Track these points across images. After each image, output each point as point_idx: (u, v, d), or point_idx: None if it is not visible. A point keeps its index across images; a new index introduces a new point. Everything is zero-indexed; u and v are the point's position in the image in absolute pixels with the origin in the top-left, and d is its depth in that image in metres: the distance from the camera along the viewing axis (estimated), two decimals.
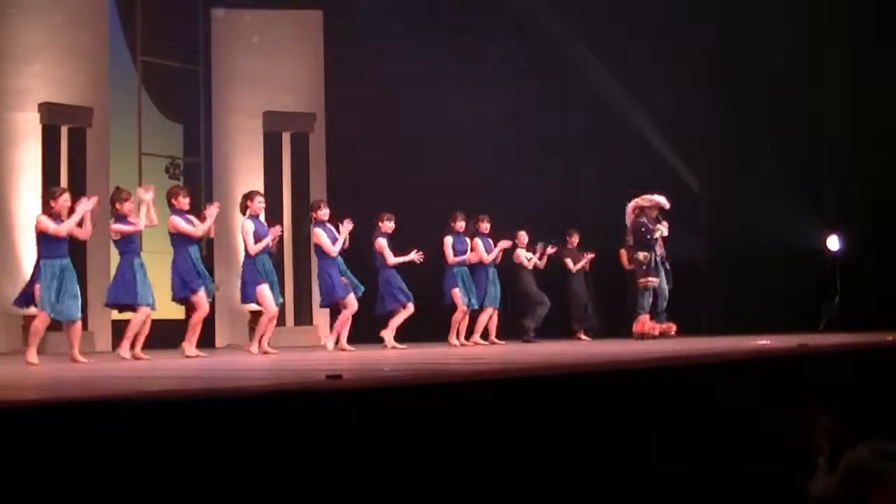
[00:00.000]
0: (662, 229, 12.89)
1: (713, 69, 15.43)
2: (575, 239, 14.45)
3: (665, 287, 13.00)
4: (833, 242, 14.77)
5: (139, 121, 15.38)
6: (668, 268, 13.11)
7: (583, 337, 14.33)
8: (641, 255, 12.93)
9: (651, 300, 12.90)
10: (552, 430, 4.41)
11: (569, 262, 14.31)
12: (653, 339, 12.48)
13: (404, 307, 11.95)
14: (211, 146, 16.02)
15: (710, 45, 15.43)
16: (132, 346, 9.72)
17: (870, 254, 14.06)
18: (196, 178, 15.75)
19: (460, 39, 15.58)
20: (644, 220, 12.96)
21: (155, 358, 9.68)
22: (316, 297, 12.94)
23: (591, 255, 14.44)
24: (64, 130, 14.01)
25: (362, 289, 11.57)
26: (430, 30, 15.61)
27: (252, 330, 11.40)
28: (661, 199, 13.03)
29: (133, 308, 9.84)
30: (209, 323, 13.72)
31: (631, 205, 13.15)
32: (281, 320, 15.00)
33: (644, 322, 12.78)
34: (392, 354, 10.21)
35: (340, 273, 11.40)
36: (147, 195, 10.03)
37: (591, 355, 8.07)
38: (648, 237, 12.86)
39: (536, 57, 15.65)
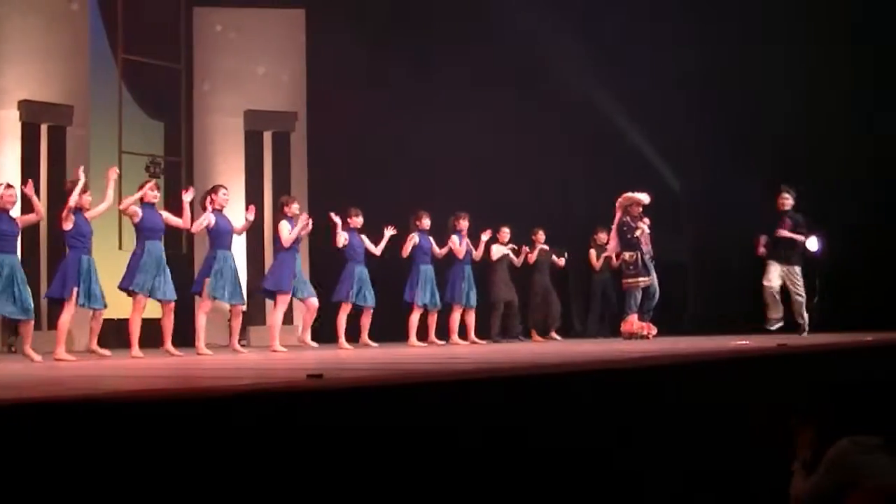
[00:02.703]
0: (643, 227, 12.86)
1: (698, 68, 15.44)
2: (540, 237, 14.47)
3: (656, 286, 12.99)
4: (812, 243, 14.79)
5: (120, 119, 15.31)
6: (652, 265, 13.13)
7: (548, 337, 14.33)
8: (627, 255, 12.91)
9: (640, 299, 12.88)
10: (530, 429, 4.41)
11: (529, 254, 14.31)
12: (641, 339, 12.47)
13: (346, 305, 12.10)
14: (192, 145, 15.98)
15: (693, 45, 15.44)
16: (89, 342, 9.77)
17: (850, 255, 14.10)
18: (177, 177, 15.69)
19: (444, 39, 15.59)
20: (627, 219, 12.94)
21: (124, 357, 9.63)
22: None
23: (544, 247, 14.42)
24: (44, 128, 13.96)
25: (313, 293, 11.62)
26: (412, 29, 15.63)
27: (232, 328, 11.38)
28: (641, 196, 12.99)
29: (60, 303, 9.82)
30: (188, 322, 13.69)
31: (617, 205, 13.13)
32: (260, 319, 15.01)
33: (632, 322, 12.77)
34: (370, 354, 10.21)
35: (294, 272, 11.41)
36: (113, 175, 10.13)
37: (569, 355, 8.08)
38: (629, 236, 12.85)
39: (522, 57, 15.65)
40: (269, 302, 15.25)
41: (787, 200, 12.18)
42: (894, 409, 4.33)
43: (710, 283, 15.26)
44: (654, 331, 12.88)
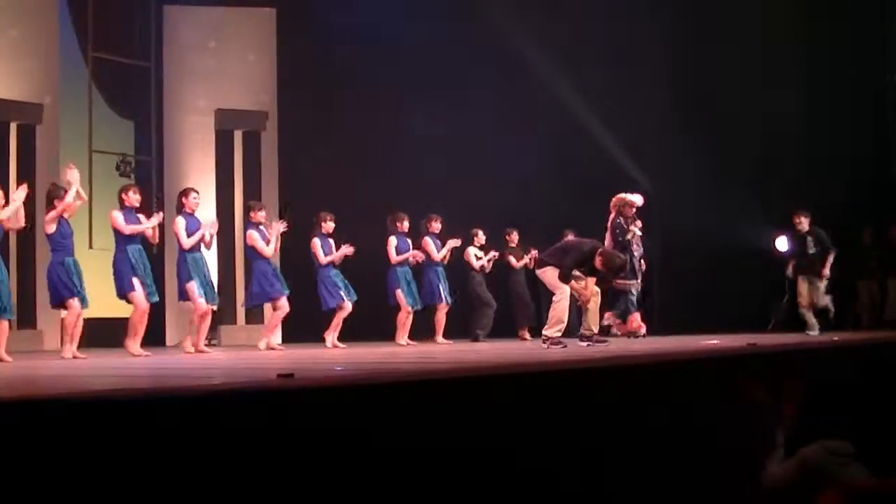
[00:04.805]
0: (635, 229, 12.79)
1: (667, 69, 15.49)
2: (514, 237, 14.56)
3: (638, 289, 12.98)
4: (782, 243, 14.88)
5: (90, 118, 15.21)
6: (643, 267, 13.12)
7: (528, 336, 14.40)
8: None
9: (633, 299, 12.84)
10: (503, 428, 4.42)
11: (511, 259, 14.39)
12: (636, 338, 12.42)
13: (341, 307, 12.03)
14: (162, 144, 15.90)
15: (665, 44, 15.49)
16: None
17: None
18: (147, 176, 15.62)
19: (414, 38, 15.57)
20: (620, 220, 12.90)
21: (99, 357, 9.62)
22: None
23: (534, 253, 14.50)
24: (13, 127, 13.87)
25: (287, 292, 11.65)
26: (383, 28, 15.60)
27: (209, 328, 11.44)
28: (634, 198, 12.91)
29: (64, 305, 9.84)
30: (159, 321, 13.64)
31: (611, 206, 13.05)
32: (232, 319, 14.97)
33: (633, 320, 12.72)
34: (338, 353, 10.22)
35: (274, 274, 11.48)
36: (74, 175, 9.97)
37: (540, 355, 8.10)
38: (621, 238, 12.81)
39: (492, 57, 15.65)
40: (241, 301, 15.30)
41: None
42: (860, 407, 4.37)
43: (676, 283, 15.31)
44: (643, 328, 12.87)
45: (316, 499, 3.64)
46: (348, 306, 12.04)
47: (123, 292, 10.08)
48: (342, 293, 12.01)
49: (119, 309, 10.51)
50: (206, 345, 11.15)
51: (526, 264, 14.58)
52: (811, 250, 12.58)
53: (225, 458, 3.40)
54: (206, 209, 14.51)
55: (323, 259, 12.04)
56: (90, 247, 13.46)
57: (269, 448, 3.53)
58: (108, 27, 15.45)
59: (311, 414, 3.78)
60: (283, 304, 11.54)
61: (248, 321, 15.09)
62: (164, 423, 3.35)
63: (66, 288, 9.67)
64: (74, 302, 9.68)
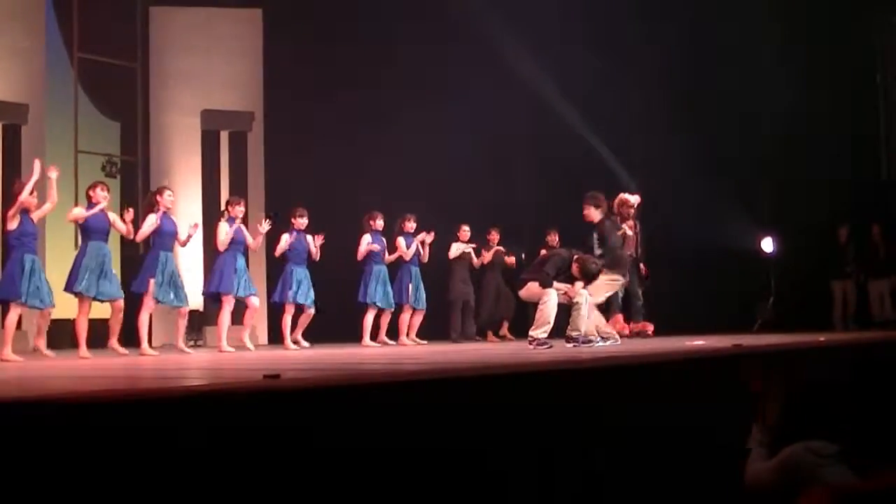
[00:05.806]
0: (625, 228, 12.73)
1: (666, 68, 15.49)
2: (495, 237, 14.58)
3: (636, 287, 12.94)
4: (767, 244, 14.93)
5: (75, 118, 15.20)
6: (642, 267, 13.07)
7: (493, 338, 14.45)
8: None
9: (621, 299, 12.78)
10: (491, 429, 4.43)
11: (484, 254, 14.42)
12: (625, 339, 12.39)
13: (285, 305, 12.14)
14: (148, 144, 15.89)
15: (663, 43, 15.49)
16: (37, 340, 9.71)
17: (803, 255, 14.24)
18: (133, 177, 15.61)
19: (401, 39, 15.58)
20: (616, 218, 12.86)
21: (72, 358, 9.58)
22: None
23: (500, 248, 14.55)
24: None
25: (247, 293, 11.62)
26: (369, 29, 15.61)
27: (190, 328, 11.39)
28: (631, 198, 12.85)
29: (7, 305, 9.77)
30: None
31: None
32: (216, 320, 14.92)
33: (616, 321, 12.69)
34: (322, 354, 10.20)
35: (235, 272, 11.43)
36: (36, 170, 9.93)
37: (522, 356, 8.10)
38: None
39: (478, 57, 15.65)
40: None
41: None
42: (845, 410, 4.37)
43: (662, 284, 15.31)
44: (650, 328, 12.80)
45: (303, 499, 3.64)
46: (292, 308, 12.08)
47: (68, 289, 10.04)
48: (289, 293, 12.02)
49: (103, 310, 10.48)
50: (191, 346, 11.13)
51: (511, 265, 14.59)
52: (594, 245, 10.99)
53: (212, 459, 3.40)
54: (191, 210, 14.50)
55: (278, 251, 12.15)
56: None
57: (256, 449, 3.52)
58: (93, 28, 15.43)
59: (298, 415, 3.78)
60: (229, 301, 11.44)
61: (234, 322, 15.03)
62: (149, 424, 3.35)
63: (10, 288, 9.61)
64: (13, 305, 9.63)
